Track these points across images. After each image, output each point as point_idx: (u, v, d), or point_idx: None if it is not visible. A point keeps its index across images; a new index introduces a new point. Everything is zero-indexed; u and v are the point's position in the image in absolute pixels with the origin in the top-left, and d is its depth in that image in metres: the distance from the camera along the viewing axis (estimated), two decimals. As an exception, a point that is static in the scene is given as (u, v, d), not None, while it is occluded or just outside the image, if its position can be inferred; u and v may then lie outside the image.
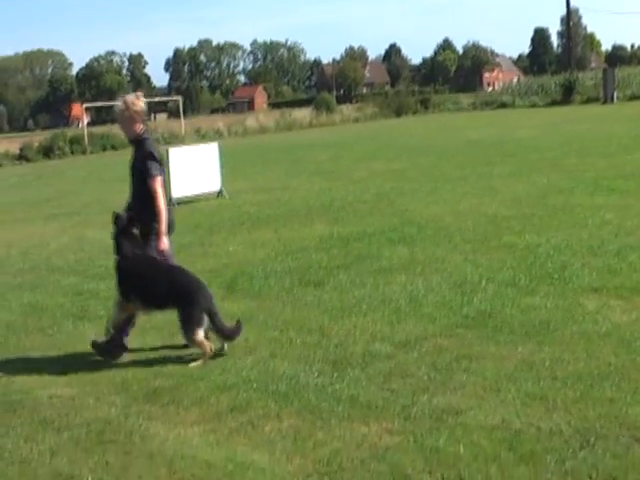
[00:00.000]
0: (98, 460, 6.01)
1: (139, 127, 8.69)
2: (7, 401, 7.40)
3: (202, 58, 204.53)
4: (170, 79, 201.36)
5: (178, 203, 20.24)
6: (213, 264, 12.66)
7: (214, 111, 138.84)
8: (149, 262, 8.56)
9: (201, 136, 55.03)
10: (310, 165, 29.11)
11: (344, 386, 6.96)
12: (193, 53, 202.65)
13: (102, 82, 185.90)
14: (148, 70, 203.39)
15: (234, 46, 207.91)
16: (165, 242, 8.53)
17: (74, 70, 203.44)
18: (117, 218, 8.62)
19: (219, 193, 21.55)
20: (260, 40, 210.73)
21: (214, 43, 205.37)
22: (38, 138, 58.13)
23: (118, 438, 6.37)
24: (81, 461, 6.02)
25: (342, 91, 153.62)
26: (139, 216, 8.55)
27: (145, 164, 8.53)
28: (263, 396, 6.91)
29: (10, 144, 56.75)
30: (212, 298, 8.39)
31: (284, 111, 71.41)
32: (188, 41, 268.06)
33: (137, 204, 8.69)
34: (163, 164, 8.88)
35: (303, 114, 68.23)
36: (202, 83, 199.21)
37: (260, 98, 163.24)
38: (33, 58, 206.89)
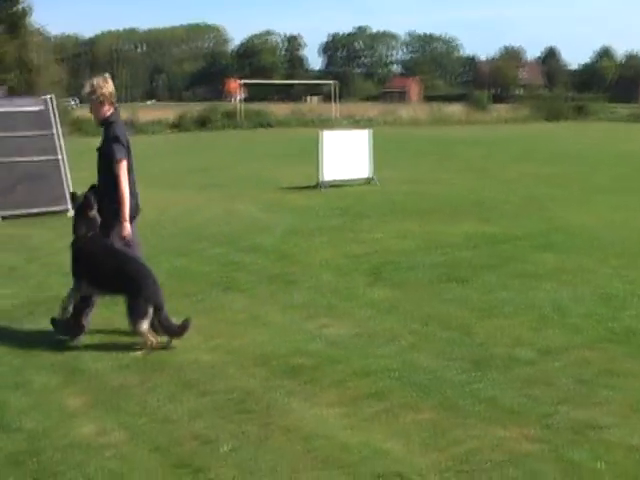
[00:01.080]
0: (236, 428, 6.13)
1: (107, 110, 8.52)
2: (153, 360, 7.64)
3: (357, 45, 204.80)
4: (325, 63, 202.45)
5: (329, 186, 20.42)
6: (359, 250, 12.73)
7: (367, 98, 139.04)
8: (102, 245, 8.43)
9: (353, 122, 55.25)
10: (460, 161, 28.92)
11: (484, 386, 6.90)
12: (349, 39, 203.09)
13: (259, 60, 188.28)
14: (304, 52, 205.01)
15: (390, 36, 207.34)
16: (127, 227, 8.41)
17: (233, 46, 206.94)
18: (74, 197, 8.66)
19: (369, 180, 21.60)
20: (417, 32, 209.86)
21: (370, 31, 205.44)
22: (195, 109, 59.35)
23: (257, 409, 6.48)
24: (220, 427, 6.16)
25: (496, 90, 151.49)
26: (103, 199, 8.45)
27: (111, 147, 8.40)
28: (402, 386, 6.92)
29: (167, 112, 58.21)
30: (160, 292, 8.28)
31: (437, 105, 70.98)
32: (345, 27, 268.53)
33: (102, 187, 8.55)
34: (130, 147, 8.64)
35: (456, 109, 67.71)
36: (356, 70, 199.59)
37: (414, 89, 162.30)
38: (193, 31, 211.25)
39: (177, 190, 20.98)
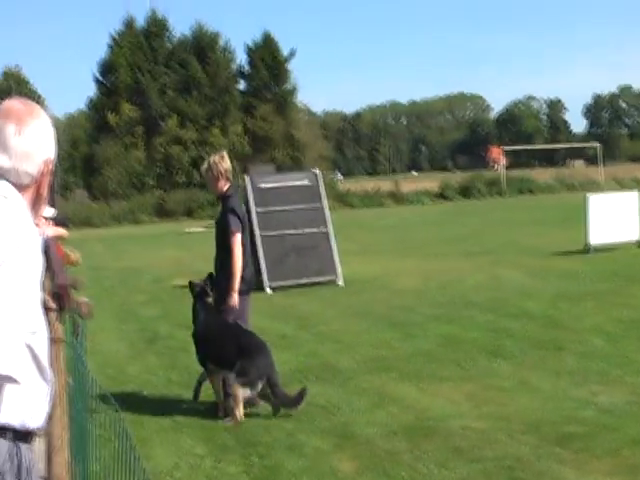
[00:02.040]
0: (509, 496, 6.03)
1: (223, 184, 8.79)
2: (422, 426, 7.65)
3: (622, 104, 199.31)
4: (589, 125, 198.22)
5: (595, 250, 19.90)
6: (631, 315, 12.23)
7: (634, 160, 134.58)
8: (218, 324, 8.55)
9: (619, 184, 53.63)
10: None
11: None
12: (613, 99, 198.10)
13: (520, 126, 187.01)
14: (566, 116, 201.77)
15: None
16: (235, 298, 8.45)
17: (492, 114, 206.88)
18: (191, 286, 8.75)
19: (638, 243, 20.85)
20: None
21: (635, 89, 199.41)
22: (457, 178, 59.77)
23: (528, 477, 6.34)
24: (491, 495, 6.07)
25: None
26: (219, 272, 8.63)
27: (227, 219, 8.60)
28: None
29: (430, 182, 58.92)
30: (274, 366, 8.22)
31: None
32: (607, 87, 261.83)
33: (219, 260, 8.74)
34: (245, 222, 8.85)
35: None
36: (622, 130, 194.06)
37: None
38: (454, 101, 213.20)
39: (441, 258, 21.11)
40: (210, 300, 8.70)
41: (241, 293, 8.66)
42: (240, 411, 8.06)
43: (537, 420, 7.63)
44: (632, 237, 20.95)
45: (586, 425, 7.40)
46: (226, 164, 8.86)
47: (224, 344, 8.33)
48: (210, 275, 8.82)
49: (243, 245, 8.72)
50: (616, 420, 7.51)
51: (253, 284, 9.21)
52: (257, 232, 17.66)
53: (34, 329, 2.78)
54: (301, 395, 8.21)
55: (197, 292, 8.74)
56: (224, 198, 8.89)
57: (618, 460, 6.58)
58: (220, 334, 8.50)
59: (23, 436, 2.80)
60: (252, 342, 8.42)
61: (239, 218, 8.73)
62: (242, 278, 8.63)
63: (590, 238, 20.29)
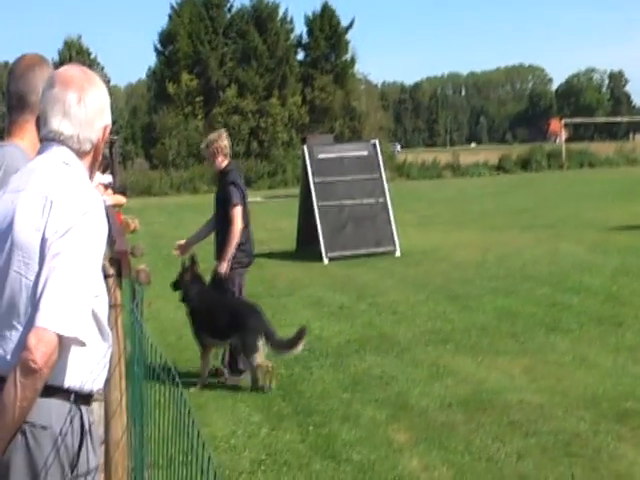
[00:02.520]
0: (564, 471, 5.97)
1: (221, 160, 8.97)
2: (478, 399, 7.61)
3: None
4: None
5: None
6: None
7: None
8: (210, 297, 8.68)
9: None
10: None
11: None
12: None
13: (581, 99, 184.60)
14: (628, 88, 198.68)
15: None
16: (224, 265, 8.62)
17: (554, 86, 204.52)
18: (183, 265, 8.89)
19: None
20: None
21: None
22: (516, 150, 59.28)
23: (586, 453, 6.28)
24: (547, 468, 6.03)
25: None
26: (220, 245, 8.79)
27: (228, 191, 8.75)
28: None
29: (489, 155, 58.53)
30: (266, 322, 8.43)
31: None
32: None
33: (220, 231, 8.85)
34: (246, 195, 9.00)
35: None
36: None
37: None
38: (514, 73, 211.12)
39: (500, 231, 20.94)
40: (191, 275, 8.78)
41: (243, 265, 8.94)
42: (260, 375, 8.23)
43: (595, 396, 7.56)
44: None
45: (645, 402, 7.32)
46: (223, 142, 9.01)
47: (218, 316, 8.47)
48: (192, 256, 8.95)
49: (243, 218, 8.85)
50: (678, 399, 7.41)
51: (253, 257, 9.32)
52: (315, 202, 17.68)
53: (97, 292, 2.82)
54: (299, 335, 8.26)
55: (180, 273, 8.87)
56: (224, 173, 9.05)
57: (678, 438, 6.50)
58: (213, 307, 8.63)
59: (84, 398, 2.85)
60: (242, 309, 8.55)
61: (241, 191, 8.91)
62: (243, 251, 8.85)
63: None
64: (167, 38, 61.08)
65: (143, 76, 68.55)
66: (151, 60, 58.41)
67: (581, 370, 8.43)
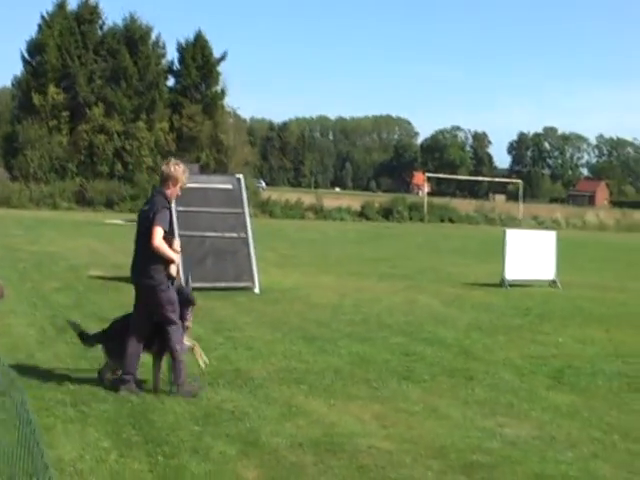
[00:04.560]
0: (409, 519, 6.04)
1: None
2: (329, 442, 7.63)
3: (546, 145, 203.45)
4: (512, 162, 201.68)
5: (510, 285, 20.20)
6: (541, 351, 12.48)
7: (553, 200, 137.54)
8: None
9: (538, 223, 54.72)
10: (649, 270, 28.08)
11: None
12: (537, 139, 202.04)
13: (445, 155, 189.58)
14: (490, 150, 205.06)
15: (579, 138, 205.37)
16: None
17: (419, 139, 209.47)
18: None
19: (552, 282, 21.22)
20: (606, 135, 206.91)
21: (559, 132, 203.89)
22: (379, 199, 60.31)
23: (431, 502, 6.39)
24: (393, 516, 6.08)
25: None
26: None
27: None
28: (582, 495, 6.68)
29: (352, 200, 59.40)
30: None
31: (625, 211, 69.56)
32: (533, 126, 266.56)
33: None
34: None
35: (645, 217, 66.07)
36: (544, 170, 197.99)
37: (601, 194, 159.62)
38: (382, 122, 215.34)
39: (359, 277, 21.20)
40: None
41: None
42: None
43: (443, 446, 7.68)
44: (547, 276, 21.29)
45: (491, 455, 7.48)
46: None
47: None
48: None
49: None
50: (520, 453, 7.60)
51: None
52: (176, 231, 17.49)
53: None
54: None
55: None
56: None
57: (520, 493, 6.66)
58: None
59: None
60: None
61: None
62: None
63: (506, 273, 20.58)
64: (36, 48, 59.32)
65: (8, 83, 66.57)
66: (17, 68, 56.76)
67: (431, 420, 8.55)
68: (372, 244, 33.42)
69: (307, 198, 56.87)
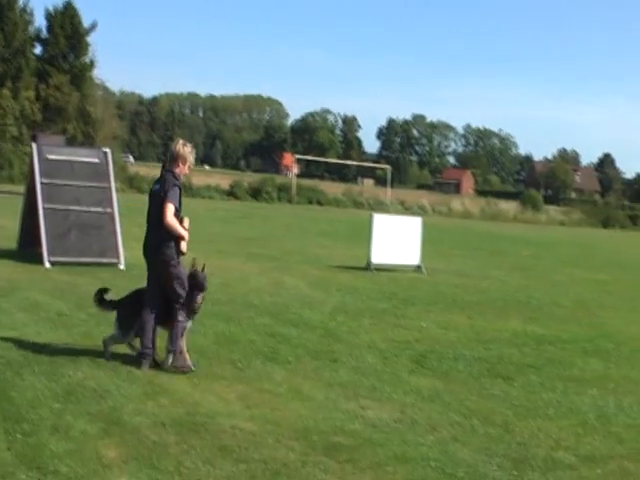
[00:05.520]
0: (270, 499, 6.06)
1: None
2: (192, 421, 7.59)
3: (414, 132, 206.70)
4: (381, 147, 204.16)
5: (377, 269, 20.44)
6: (404, 336, 12.68)
7: (420, 187, 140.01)
8: None
9: (405, 208, 55.58)
10: (510, 259, 28.92)
11: (523, 486, 6.78)
12: (406, 126, 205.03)
13: (315, 137, 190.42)
14: (360, 134, 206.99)
15: (447, 126, 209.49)
16: None
17: (290, 121, 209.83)
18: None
19: (417, 268, 21.57)
20: (473, 125, 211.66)
21: (428, 120, 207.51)
22: (248, 179, 60.21)
23: (292, 483, 6.42)
24: (253, 496, 6.09)
25: (550, 191, 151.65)
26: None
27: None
28: (440, 477, 6.81)
29: (222, 179, 59.04)
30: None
31: (490, 200, 71.41)
32: (403, 113, 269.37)
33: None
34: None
35: (509, 207, 67.99)
36: (412, 157, 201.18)
37: (467, 182, 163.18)
38: (252, 102, 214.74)
39: (226, 256, 21.12)
40: None
41: None
42: None
43: (306, 428, 7.72)
44: (412, 261, 21.64)
45: (353, 437, 7.56)
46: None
47: None
48: None
49: None
50: (382, 435, 7.71)
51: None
52: (40, 203, 17.11)
53: None
54: None
55: None
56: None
57: (380, 474, 6.75)
58: None
59: None
60: None
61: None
62: None
63: (373, 257, 20.81)
64: None
65: None
66: None
67: (295, 402, 8.59)
68: (241, 224, 33.35)
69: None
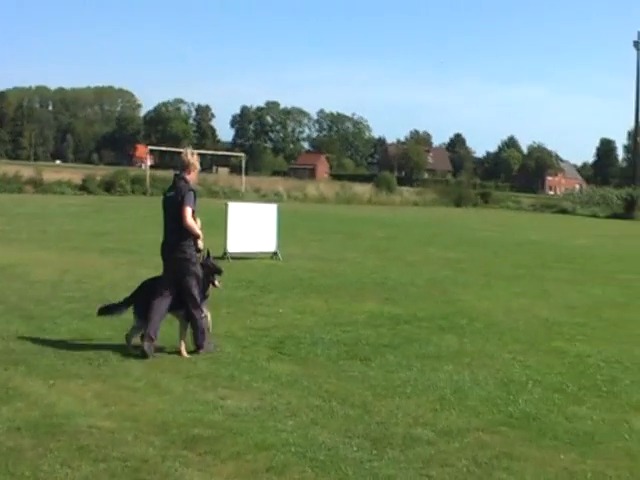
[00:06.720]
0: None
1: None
2: (48, 423, 7.45)
3: (268, 119, 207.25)
4: (235, 135, 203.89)
5: (233, 257, 20.41)
6: (262, 323, 12.74)
7: (275, 173, 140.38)
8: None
9: (261, 196, 55.60)
10: (366, 241, 29.29)
11: (382, 465, 6.92)
12: (260, 113, 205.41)
13: (168, 127, 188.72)
14: (214, 123, 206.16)
15: (301, 112, 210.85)
16: None
17: (142, 112, 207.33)
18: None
19: (274, 254, 21.66)
20: (327, 110, 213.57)
21: (281, 106, 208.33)
22: (101, 172, 59.14)
23: (153, 478, 6.38)
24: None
25: (403, 173, 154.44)
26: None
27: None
28: (301, 461, 6.89)
29: (73, 174, 57.81)
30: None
31: (345, 184, 72.02)
32: (256, 100, 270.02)
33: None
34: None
35: (363, 190, 68.73)
36: (266, 144, 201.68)
37: (322, 167, 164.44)
38: (104, 93, 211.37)
39: (79, 252, 20.73)
40: None
41: None
42: None
43: (165, 422, 7.69)
44: (269, 248, 21.71)
45: (213, 428, 7.57)
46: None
47: None
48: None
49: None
50: (242, 424, 7.74)
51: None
52: None
53: None
54: None
55: None
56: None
57: (241, 464, 6.78)
58: None
59: None
60: None
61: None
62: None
63: (229, 246, 20.79)
64: None
65: None
66: None
67: (153, 396, 8.54)
68: (94, 218, 32.74)
69: (26, 171, 54.65)
